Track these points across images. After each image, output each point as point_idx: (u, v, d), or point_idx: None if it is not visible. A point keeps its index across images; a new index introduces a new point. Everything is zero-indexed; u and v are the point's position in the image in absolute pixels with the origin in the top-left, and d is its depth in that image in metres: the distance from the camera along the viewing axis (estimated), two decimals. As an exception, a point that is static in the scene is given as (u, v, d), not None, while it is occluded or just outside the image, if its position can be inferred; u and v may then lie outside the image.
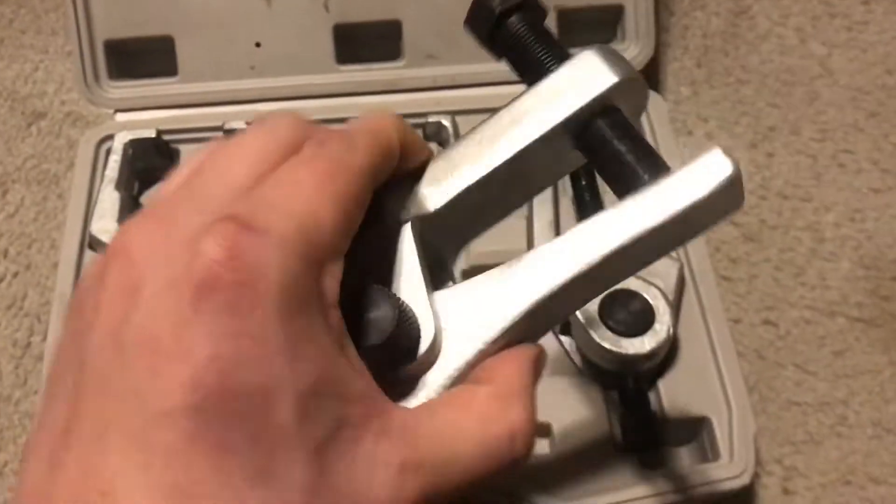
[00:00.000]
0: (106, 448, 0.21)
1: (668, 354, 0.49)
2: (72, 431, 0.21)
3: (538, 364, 0.27)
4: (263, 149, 0.25)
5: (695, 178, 0.27)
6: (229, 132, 0.58)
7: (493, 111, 0.30)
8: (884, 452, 0.51)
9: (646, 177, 0.28)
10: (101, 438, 0.21)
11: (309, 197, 0.23)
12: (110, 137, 0.57)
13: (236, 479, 0.20)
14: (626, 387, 0.48)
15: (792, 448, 0.51)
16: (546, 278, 0.26)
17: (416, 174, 0.29)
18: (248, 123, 0.57)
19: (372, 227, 0.26)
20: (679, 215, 0.26)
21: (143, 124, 0.58)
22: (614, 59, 0.29)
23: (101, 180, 0.55)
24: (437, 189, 0.29)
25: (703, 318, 0.51)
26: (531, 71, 0.30)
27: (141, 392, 0.21)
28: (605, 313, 0.48)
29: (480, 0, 0.30)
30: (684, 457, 0.50)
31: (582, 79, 0.28)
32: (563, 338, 0.51)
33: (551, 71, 0.29)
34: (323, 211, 0.23)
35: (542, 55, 0.30)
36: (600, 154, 0.29)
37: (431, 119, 0.58)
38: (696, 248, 0.53)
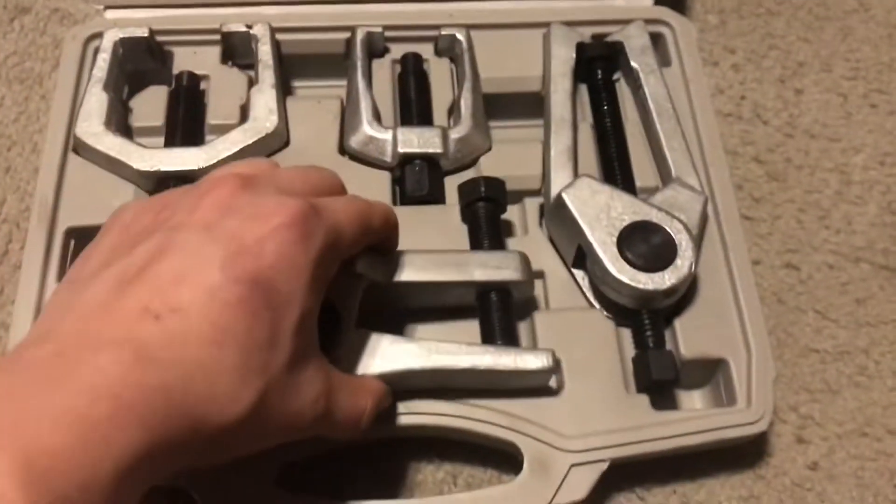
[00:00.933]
0: (180, 286, 0.29)
1: (686, 292, 0.46)
2: (148, 271, 0.30)
3: (385, 397, 0.40)
4: (320, 176, 0.38)
5: (523, 359, 0.43)
6: (226, 35, 0.54)
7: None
8: (903, 405, 0.49)
9: (499, 342, 0.45)
10: (178, 282, 0.30)
11: (346, 219, 0.36)
12: (99, 35, 0.53)
13: (254, 337, 0.30)
14: (642, 324, 0.46)
15: (808, 396, 0.49)
16: (403, 363, 0.42)
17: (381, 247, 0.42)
18: (248, 26, 0.53)
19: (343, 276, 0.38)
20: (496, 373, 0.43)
21: (134, 23, 0.54)
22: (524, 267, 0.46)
23: (88, 80, 0.51)
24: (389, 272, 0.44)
25: (726, 255, 0.48)
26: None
27: (219, 264, 0.30)
28: (624, 245, 0.45)
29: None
30: (697, 401, 0.47)
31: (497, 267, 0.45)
32: (575, 271, 0.48)
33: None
34: (350, 229, 0.36)
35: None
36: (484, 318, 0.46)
37: (444, 32, 0.55)
38: (721, 184, 0.50)
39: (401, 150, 0.50)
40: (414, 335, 0.45)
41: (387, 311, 0.45)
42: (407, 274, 0.44)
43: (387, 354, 0.42)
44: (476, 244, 0.48)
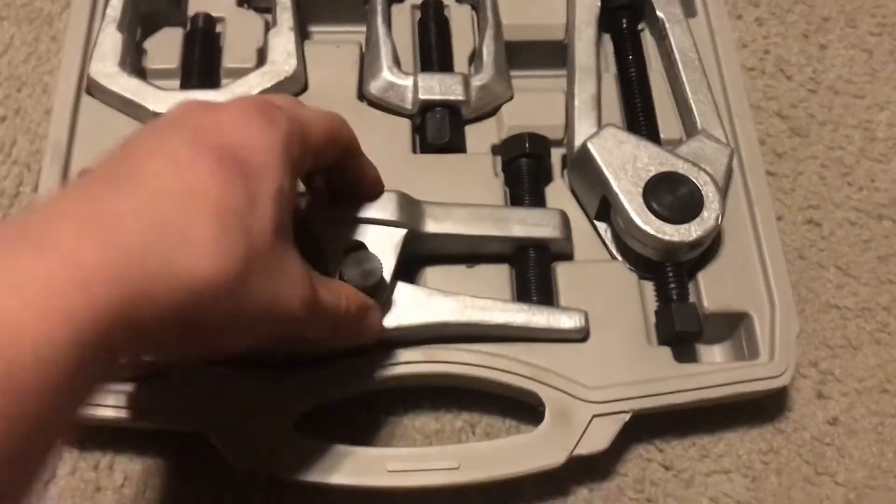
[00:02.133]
0: (147, 160, 0.30)
1: (710, 245, 0.46)
2: (122, 157, 0.30)
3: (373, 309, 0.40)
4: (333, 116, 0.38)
5: (556, 318, 0.43)
6: (244, -22, 0.52)
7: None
8: (923, 363, 0.48)
9: (535, 298, 0.45)
10: (146, 157, 0.30)
11: (313, 116, 0.36)
12: (112, -26, 0.52)
13: (228, 200, 0.29)
14: (665, 277, 0.45)
15: (829, 352, 0.49)
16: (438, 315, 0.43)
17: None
18: (265, -33, 0.52)
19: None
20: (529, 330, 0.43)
21: (148, -38, 0.52)
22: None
23: (101, 21, 0.50)
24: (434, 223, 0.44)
25: (750, 208, 0.48)
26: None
27: (184, 142, 0.30)
28: (649, 196, 0.44)
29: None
30: (719, 355, 0.47)
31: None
32: (598, 223, 0.48)
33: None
34: (317, 128, 0.36)
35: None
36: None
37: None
38: (746, 137, 0.49)
39: (422, 96, 0.49)
40: (448, 282, 0.45)
41: (425, 259, 0.45)
42: (447, 226, 0.44)
43: (423, 306, 0.42)
44: (517, 199, 0.47)
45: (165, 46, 0.51)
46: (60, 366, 0.23)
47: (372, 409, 0.45)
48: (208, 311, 0.28)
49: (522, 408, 0.44)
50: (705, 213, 0.44)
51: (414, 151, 0.49)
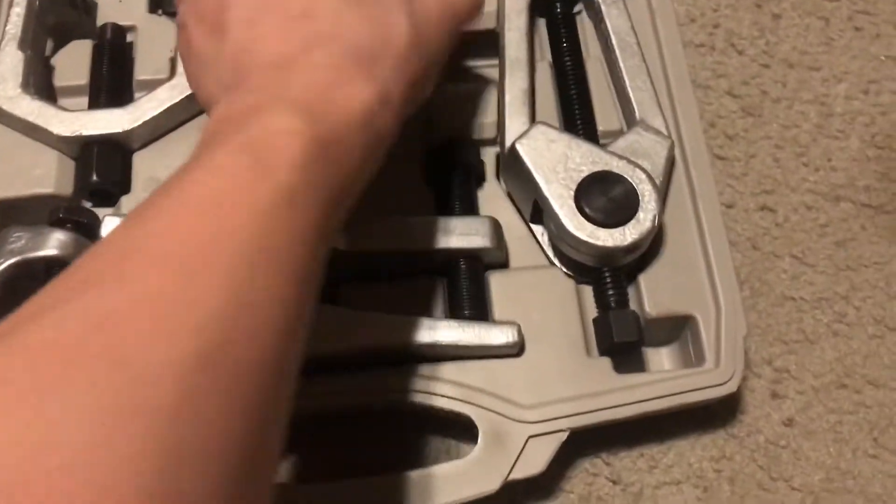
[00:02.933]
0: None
1: (651, 244, 0.43)
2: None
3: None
4: None
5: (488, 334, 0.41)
6: (153, -19, 0.49)
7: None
8: (885, 353, 0.46)
9: (467, 312, 0.43)
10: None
11: None
12: (13, -13, 0.49)
13: None
14: (603, 283, 0.43)
15: (784, 348, 0.46)
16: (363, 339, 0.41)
17: None
18: (173, -29, 0.49)
19: None
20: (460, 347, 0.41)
21: (52, -29, 0.49)
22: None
23: (1, 39, 0.47)
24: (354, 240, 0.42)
25: (694, 203, 0.45)
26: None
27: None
28: (581, 199, 0.42)
29: None
30: (665, 357, 0.45)
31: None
32: (533, 226, 0.45)
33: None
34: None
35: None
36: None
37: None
38: (690, 123, 0.47)
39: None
40: (374, 300, 0.43)
41: (347, 276, 0.43)
42: (372, 242, 0.42)
43: (347, 329, 0.40)
44: (445, 207, 0.45)
45: (74, 61, 0.49)
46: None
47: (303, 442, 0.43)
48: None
49: (463, 427, 0.42)
50: (641, 215, 0.42)
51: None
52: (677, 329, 0.44)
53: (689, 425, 0.44)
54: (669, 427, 0.44)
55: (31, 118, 0.45)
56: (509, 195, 0.46)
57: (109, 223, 0.41)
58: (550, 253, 0.45)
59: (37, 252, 0.42)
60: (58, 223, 0.43)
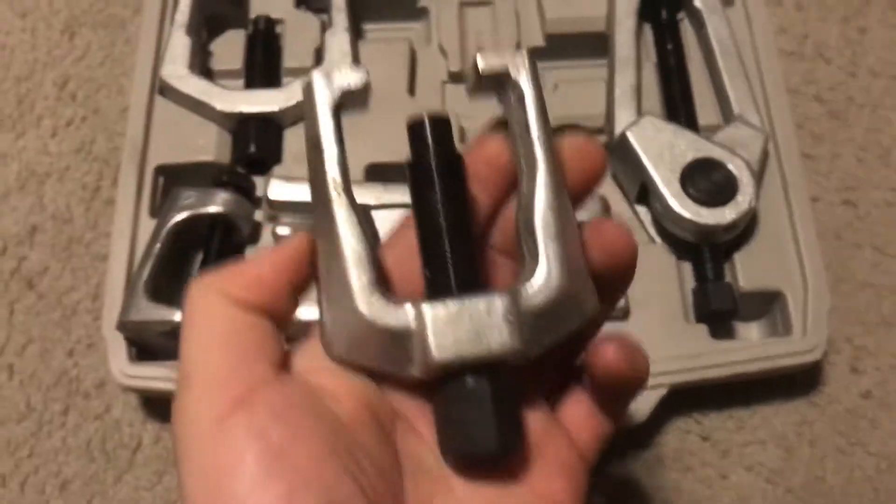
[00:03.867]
0: None
1: (746, 227, 0.48)
2: None
3: None
4: None
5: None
6: (302, -19, 0.56)
7: None
8: (957, 338, 0.50)
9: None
10: None
11: None
12: (179, -19, 0.56)
13: None
14: (702, 258, 0.47)
15: (863, 328, 0.50)
16: None
17: None
18: (321, -29, 0.55)
19: None
20: None
21: (212, -32, 0.56)
22: None
23: (171, 25, 0.54)
24: None
25: (785, 192, 0.50)
26: None
27: None
28: (686, 181, 0.47)
29: None
30: (754, 332, 0.49)
31: None
32: (637, 207, 0.50)
33: None
34: None
35: None
36: None
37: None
38: (782, 121, 0.51)
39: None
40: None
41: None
42: None
43: None
44: None
45: (230, 48, 0.55)
46: None
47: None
48: None
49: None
50: (739, 197, 0.46)
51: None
52: (767, 304, 0.48)
53: (774, 393, 0.48)
54: (756, 393, 0.48)
55: (196, 95, 0.52)
56: (615, 178, 0.51)
57: (276, 185, 0.47)
58: (653, 231, 0.50)
59: (206, 208, 0.48)
60: (221, 185, 0.49)
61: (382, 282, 0.26)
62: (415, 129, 0.27)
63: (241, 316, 0.25)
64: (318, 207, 0.26)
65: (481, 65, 0.27)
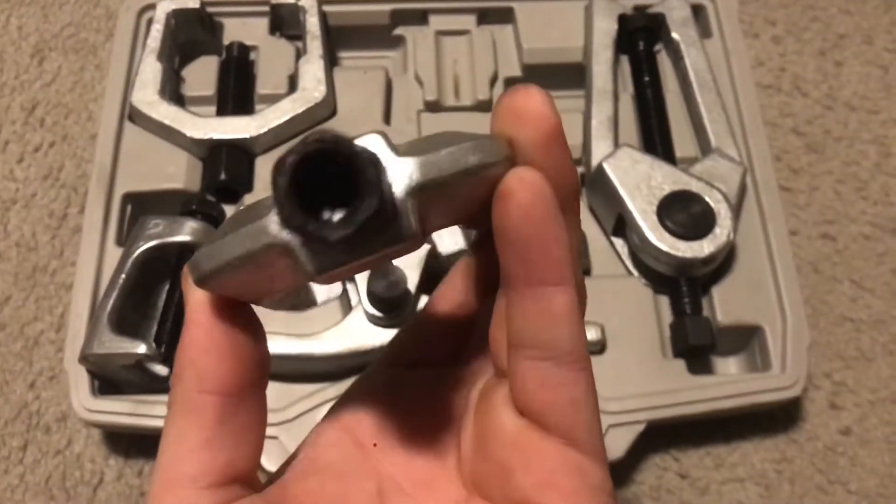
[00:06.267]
0: None
1: (724, 260, 0.47)
2: None
3: None
4: None
5: None
6: (275, 7, 0.55)
7: None
8: (937, 374, 0.49)
9: None
10: None
11: None
12: (152, 7, 0.55)
13: None
14: (680, 291, 0.47)
15: (842, 363, 0.50)
16: None
17: None
18: (296, -2, 0.55)
19: None
20: None
21: (186, -6, 0.55)
22: None
23: (142, 51, 0.53)
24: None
25: (763, 225, 0.49)
26: None
27: None
28: (663, 214, 0.46)
29: None
30: (733, 367, 0.49)
31: None
32: (615, 239, 0.50)
33: None
34: None
35: None
36: None
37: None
38: (760, 155, 0.51)
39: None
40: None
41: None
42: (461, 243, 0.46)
43: None
44: None
45: (203, 74, 0.54)
46: None
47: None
48: None
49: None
50: (717, 230, 0.46)
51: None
52: (745, 339, 0.48)
53: (753, 429, 0.48)
54: (735, 430, 0.47)
55: (167, 121, 0.50)
56: (591, 211, 0.50)
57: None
58: (630, 264, 0.49)
59: (173, 237, 0.47)
60: (190, 214, 0.48)
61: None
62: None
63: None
64: None
65: None
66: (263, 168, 0.51)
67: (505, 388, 0.23)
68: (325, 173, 0.18)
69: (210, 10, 0.55)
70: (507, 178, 0.21)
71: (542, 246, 0.21)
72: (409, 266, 0.44)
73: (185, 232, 0.47)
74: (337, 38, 0.56)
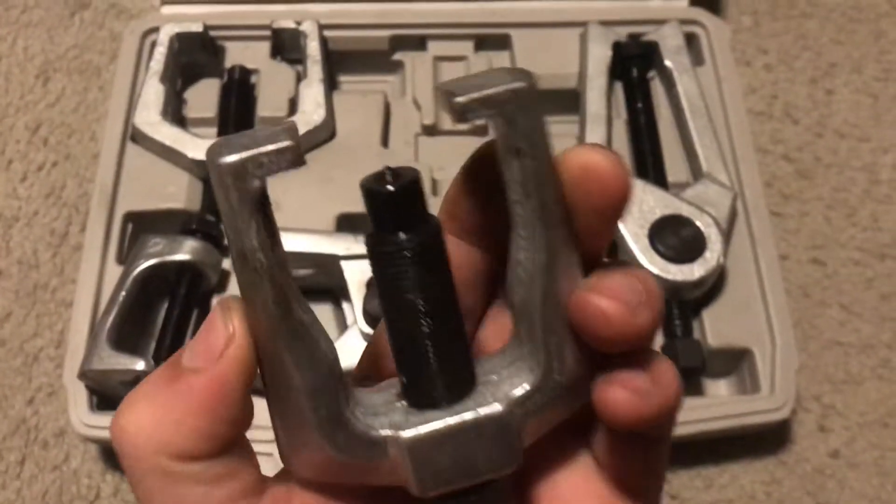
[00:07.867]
0: None
1: (714, 284, 0.48)
2: None
3: None
4: None
5: None
6: (276, 31, 0.56)
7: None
8: (924, 398, 0.50)
9: None
10: None
11: None
12: (155, 30, 0.56)
13: None
14: (670, 314, 0.47)
15: (831, 387, 0.50)
16: None
17: None
18: (297, 23, 0.56)
19: None
20: None
21: (189, 18, 0.56)
22: None
23: (145, 73, 0.54)
24: None
25: (753, 249, 0.50)
26: None
27: None
28: (655, 238, 0.47)
29: None
30: (723, 389, 0.49)
31: None
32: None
33: None
34: None
35: None
36: None
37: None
38: (750, 180, 0.52)
39: (441, 143, 0.52)
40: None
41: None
42: None
43: None
44: None
45: (204, 96, 0.55)
46: None
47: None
48: None
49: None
50: (708, 254, 0.47)
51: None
52: (735, 361, 0.48)
53: (742, 451, 0.48)
54: (725, 452, 0.48)
55: (168, 142, 0.51)
56: (585, 234, 0.51)
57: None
58: (622, 286, 0.50)
59: (173, 256, 0.47)
60: (190, 233, 0.49)
61: (370, 367, 0.23)
62: (375, 195, 0.20)
63: None
64: (260, 324, 0.20)
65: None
66: (263, 189, 0.52)
67: None
68: None
69: (212, 33, 0.57)
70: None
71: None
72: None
73: (185, 251, 0.48)
74: (337, 63, 0.57)
